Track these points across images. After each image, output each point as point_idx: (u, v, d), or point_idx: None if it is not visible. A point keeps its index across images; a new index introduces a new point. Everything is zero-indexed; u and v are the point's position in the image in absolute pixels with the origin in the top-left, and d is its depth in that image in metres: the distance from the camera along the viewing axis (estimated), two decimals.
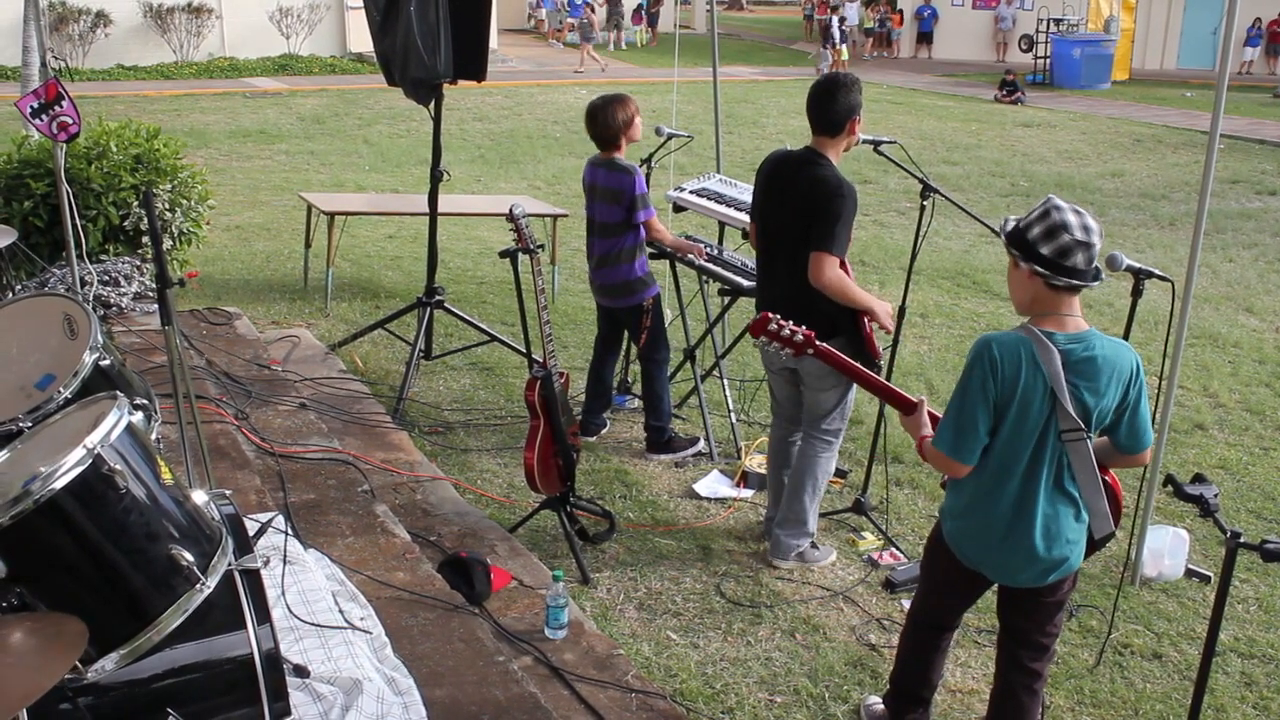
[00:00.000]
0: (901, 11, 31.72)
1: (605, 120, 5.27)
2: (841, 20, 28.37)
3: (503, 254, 4.54)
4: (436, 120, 6.26)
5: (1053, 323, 3.00)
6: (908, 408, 3.33)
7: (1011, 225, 3.04)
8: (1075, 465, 3.06)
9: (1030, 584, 3.21)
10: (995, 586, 3.35)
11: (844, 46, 27.05)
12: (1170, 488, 3.03)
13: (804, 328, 3.51)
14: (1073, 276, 2.94)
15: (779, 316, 3.50)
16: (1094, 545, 3.25)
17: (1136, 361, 3.03)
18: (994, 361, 3.00)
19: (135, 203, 7.15)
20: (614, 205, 5.31)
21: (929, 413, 3.32)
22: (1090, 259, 2.94)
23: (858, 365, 3.50)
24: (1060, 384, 2.96)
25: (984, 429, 3.05)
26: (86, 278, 6.51)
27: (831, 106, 4.27)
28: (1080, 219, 2.94)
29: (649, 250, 5.58)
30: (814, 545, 4.69)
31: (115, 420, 2.54)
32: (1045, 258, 2.93)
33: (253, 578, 2.75)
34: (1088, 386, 2.97)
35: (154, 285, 4.48)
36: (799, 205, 4.28)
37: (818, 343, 3.47)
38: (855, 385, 4.53)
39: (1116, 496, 3.22)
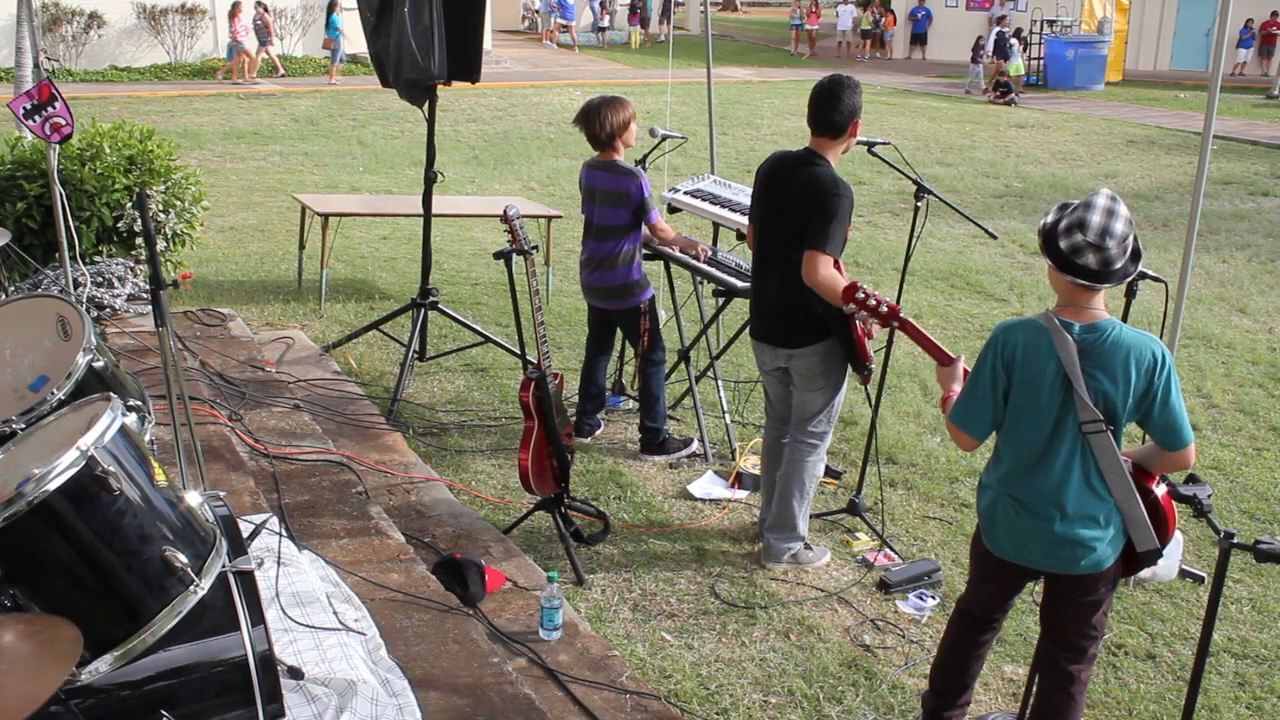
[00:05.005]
0: (894, 13, 31.71)
1: (599, 121, 5.26)
2: (1017, 32, 24.56)
3: (497, 255, 4.53)
4: (430, 121, 6.26)
5: (1071, 312, 3.06)
6: (946, 360, 3.48)
7: (1051, 218, 3.09)
8: (1101, 462, 3.06)
9: (1054, 569, 3.20)
10: (1041, 595, 3.35)
11: (1016, 62, 23.24)
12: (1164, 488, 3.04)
13: (888, 299, 3.66)
14: (1079, 275, 2.99)
15: (865, 285, 3.66)
16: (1137, 561, 3.20)
17: (1161, 352, 3.02)
18: (1003, 347, 3.12)
19: (129, 204, 7.15)
20: (618, 208, 5.30)
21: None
22: (1105, 261, 2.96)
23: (933, 340, 3.55)
24: (1076, 372, 3.00)
25: (991, 409, 3.15)
26: (80, 279, 6.50)
27: (835, 108, 4.24)
28: (1105, 221, 2.95)
29: (643, 251, 5.59)
30: (808, 546, 4.70)
31: (109, 422, 2.54)
32: (1060, 252, 3.01)
33: (247, 579, 2.75)
34: (1105, 375, 3.00)
35: (148, 286, 4.47)
36: (794, 204, 4.27)
37: (901, 315, 3.63)
38: (844, 389, 4.56)
39: (1166, 515, 3.15)
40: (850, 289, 3.66)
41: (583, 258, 5.55)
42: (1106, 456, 3.05)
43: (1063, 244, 2.99)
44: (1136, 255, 3.05)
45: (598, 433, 5.88)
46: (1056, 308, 3.10)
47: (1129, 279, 3.04)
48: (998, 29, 24.40)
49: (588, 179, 5.43)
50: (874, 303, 3.64)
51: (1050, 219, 3.08)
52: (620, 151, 5.36)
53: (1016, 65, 23.59)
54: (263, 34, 21.35)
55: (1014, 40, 24.03)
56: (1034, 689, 3.43)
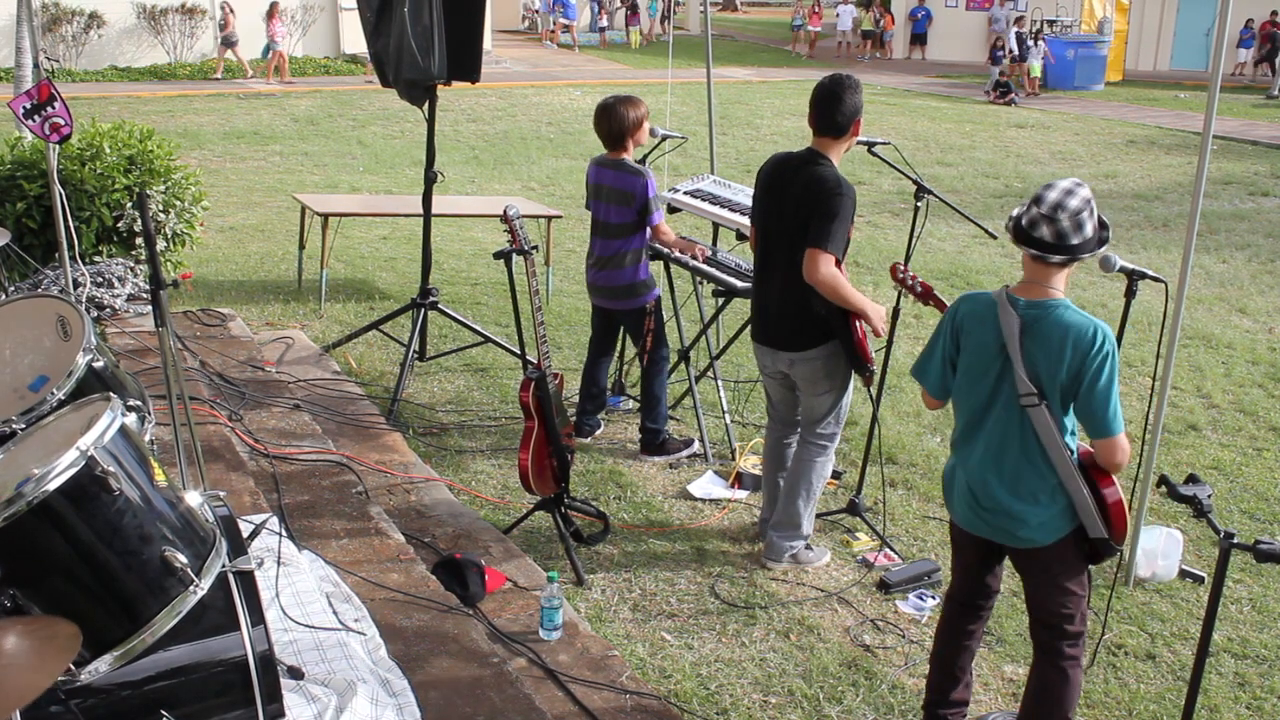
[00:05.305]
0: (892, 14, 31.69)
1: (615, 118, 5.27)
2: (1037, 33, 24.04)
3: (497, 255, 4.53)
4: (430, 121, 6.26)
5: (1024, 289, 3.18)
6: None
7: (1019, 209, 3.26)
8: (1042, 437, 3.13)
9: (994, 538, 3.29)
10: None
11: (1035, 63, 23.18)
12: (1164, 488, 3.03)
13: (921, 279, 3.99)
14: (1033, 245, 3.11)
15: (903, 264, 4.03)
16: (1096, 552, 3.26)
17: (1102, 335, 3.06)
18: (955, 315, 3.30)
19: (128, 204, 7.15)
20: (624, 207, 5.30)
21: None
22: (1059, 234, 3.07)
23: None
24: (1014, 344, 3.11)
25: (941, 372, 3.36)
26: (80, 279, 6.50)
27: (838, 108, 4.25)
28: (1063, 198, 3.06)
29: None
30: (808, 546, 4.70)
31: (109, 422, 2.53)
32: (1019, 224, 3.15)
33: (247, 579, 2.75)
34: (1041, 351, 3.09)
35: (148, 286, 4.48)
36: (797, 204, 4.27)
37: (935, 294, 3.93)
38: (850, 390, 4.56)
39: (1112, 516, 3.19)
40: (894, 267, 4.06)
41: (590, 257, 5.55)
42: (1046, 432, 3.13)
43: (1024, 220, 3.14)
44: (1102, 240, 3.14)
45: (598, 433, 5.88)
46: (1015, 285, 3.21)
47: (1093, 260, 3.18)
48: (1016, 29, 24.35)
49: (595, 177, 5.43)
50: (910, 281, 4.03)
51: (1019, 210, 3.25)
52: (630, 150, 5.37)
53: (1034, 66, 23.59)
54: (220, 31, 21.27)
55: (1031, 41, 24.03)
56: None
